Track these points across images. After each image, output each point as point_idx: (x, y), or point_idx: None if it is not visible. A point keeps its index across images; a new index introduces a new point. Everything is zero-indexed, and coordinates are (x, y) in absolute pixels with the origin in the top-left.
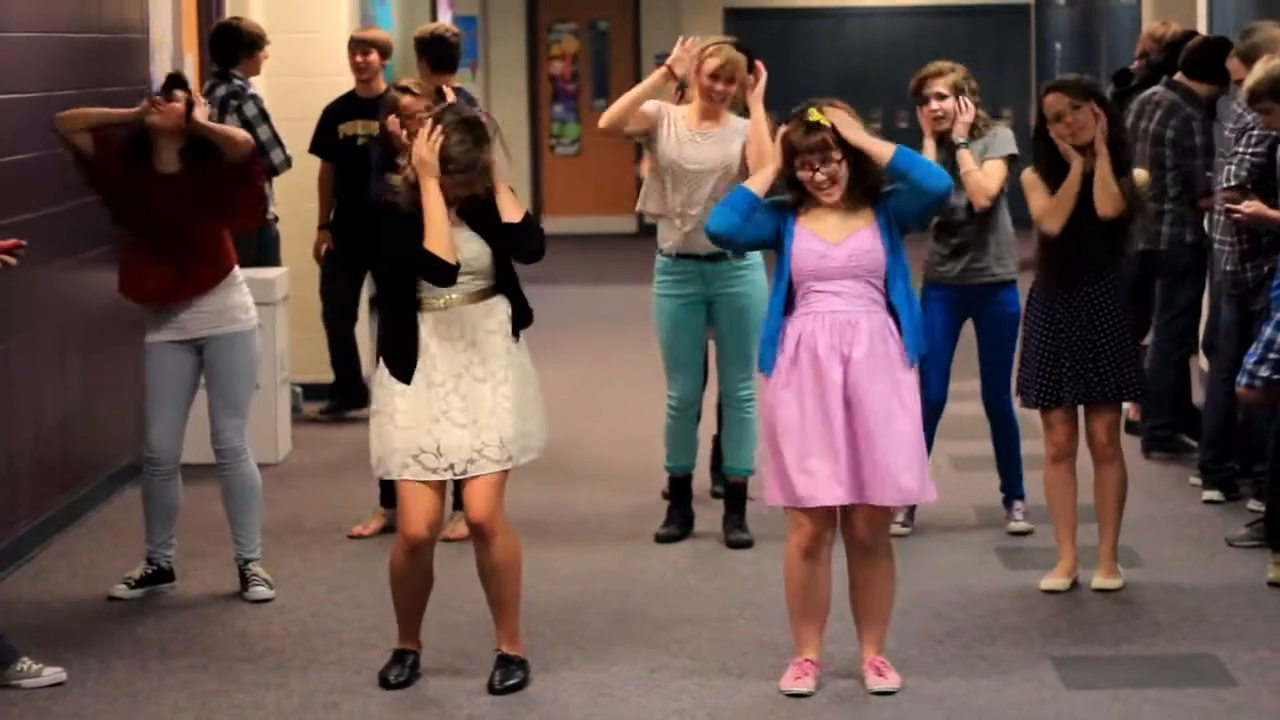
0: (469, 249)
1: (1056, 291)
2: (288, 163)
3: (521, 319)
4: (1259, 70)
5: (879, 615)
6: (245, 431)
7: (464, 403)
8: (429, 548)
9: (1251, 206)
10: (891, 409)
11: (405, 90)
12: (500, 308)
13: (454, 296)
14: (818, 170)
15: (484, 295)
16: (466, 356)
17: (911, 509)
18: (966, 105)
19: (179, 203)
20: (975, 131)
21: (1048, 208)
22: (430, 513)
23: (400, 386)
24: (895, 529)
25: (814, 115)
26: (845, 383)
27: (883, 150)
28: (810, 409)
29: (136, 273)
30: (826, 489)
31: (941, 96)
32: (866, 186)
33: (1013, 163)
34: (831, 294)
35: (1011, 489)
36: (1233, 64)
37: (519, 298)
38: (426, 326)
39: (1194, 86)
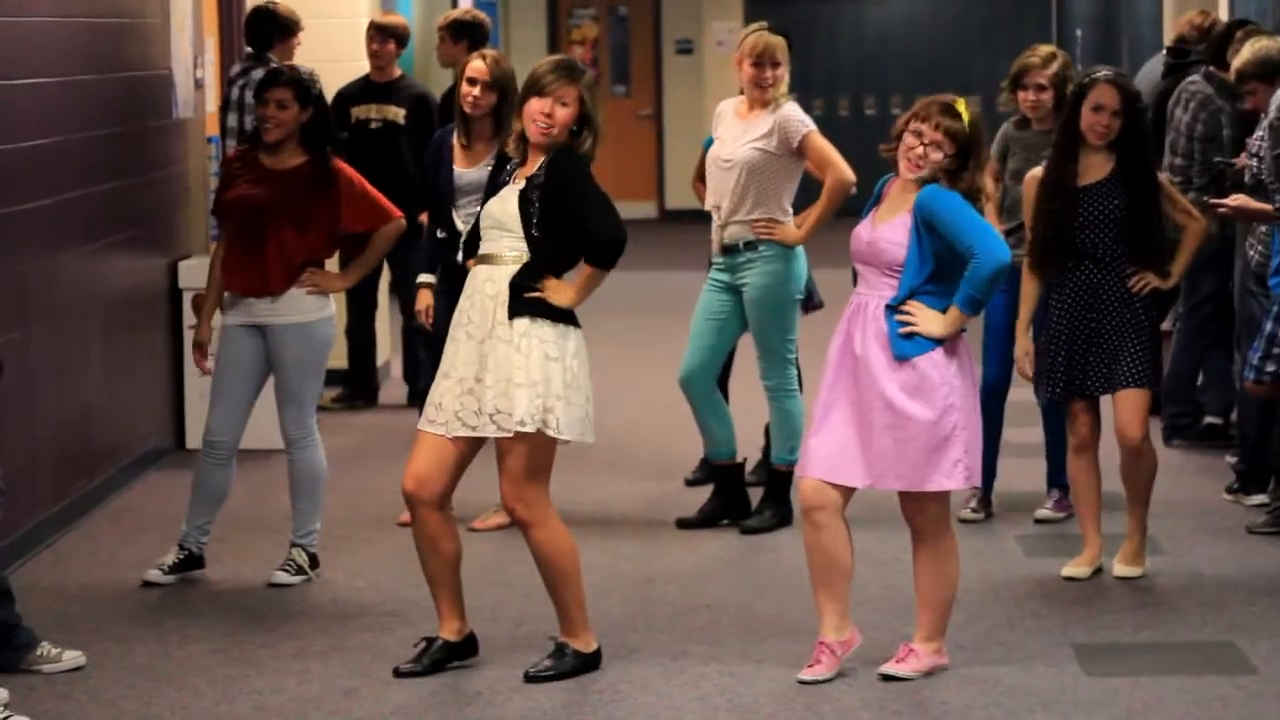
0: (508, 205)
1: (1056, 281)
2: (339, 146)
3: (518, 298)
4: (1245, 51)
5: (925, 601)
6: (306, 421)
7: (464, 362)
8: (428, 511)
9: None
10: (885, 396)
11: (483, 56)
12: (505, 278)
13: (481, 253)
14: (925, 145)
15: (504, 260)
16: (468, 315)
17: (984, 496)
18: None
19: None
20: None
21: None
22: (422, 469)
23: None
24: (966, 514)
25: (960, 105)
26: (856, 366)
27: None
28: (835, 388)
29: (231, 266)
30: (823, 465)
31: (1042, 88)
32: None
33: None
34: (862, 277)
35: (1057, 475)
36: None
37: (529, 273)
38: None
39: (1226, 76)
